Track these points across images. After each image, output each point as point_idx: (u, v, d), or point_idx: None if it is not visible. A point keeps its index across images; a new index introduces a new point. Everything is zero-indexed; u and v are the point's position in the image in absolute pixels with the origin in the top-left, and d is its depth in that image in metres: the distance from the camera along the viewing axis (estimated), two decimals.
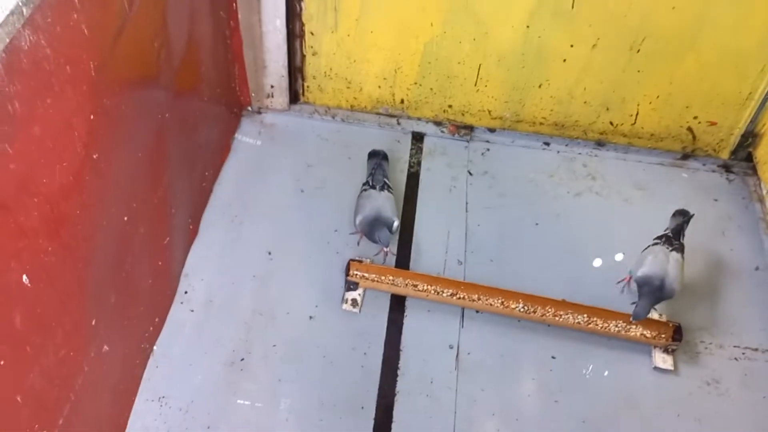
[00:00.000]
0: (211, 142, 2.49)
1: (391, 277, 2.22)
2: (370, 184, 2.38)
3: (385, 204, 2.31)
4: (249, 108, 2.81)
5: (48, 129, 1.32)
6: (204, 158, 2.42)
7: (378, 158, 2.49)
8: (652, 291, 2.08)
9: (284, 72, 2.65)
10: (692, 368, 2.16)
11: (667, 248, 2.15)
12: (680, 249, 2.17)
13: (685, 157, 2.78)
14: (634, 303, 2.13)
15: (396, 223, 2.29)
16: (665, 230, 2.25)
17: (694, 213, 2.28)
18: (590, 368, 2.15)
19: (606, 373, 2.14)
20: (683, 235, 2.23)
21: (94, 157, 1.53)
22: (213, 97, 2.44)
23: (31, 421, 1.43)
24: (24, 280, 1.31)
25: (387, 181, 2.40)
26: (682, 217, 2.27)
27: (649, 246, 2.20)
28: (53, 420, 1.53)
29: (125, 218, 1.76)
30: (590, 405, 2.07)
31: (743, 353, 2.21)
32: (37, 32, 1.23)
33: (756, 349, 2.22)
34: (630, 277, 2.14)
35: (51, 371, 1.48)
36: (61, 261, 1.44)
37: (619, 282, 2.24)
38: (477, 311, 2.23)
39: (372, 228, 2.26)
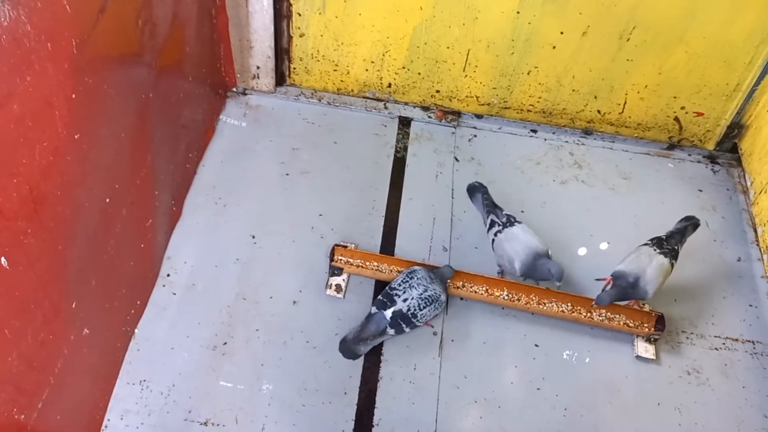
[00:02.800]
0: (195, 122, 2.45)
1: (375, 263, 2.21)
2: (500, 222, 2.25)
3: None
4: (234, 89, 2.76)
5: (28, 108, 1.29)
6: (188, 139, 2.39)
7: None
8: (623, 287, 2.08)
9: (270, 53, 2.61)
10: (674, 358, 2.18)
11: (655, 250, 2.14)
12: (670, 254, 2.13)
13: (671, 147, 2.79)
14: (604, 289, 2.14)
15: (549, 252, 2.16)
16: (666, 233, 2.22)
17: (700, 221, 2.27)
18: (573, 356, 2.16)
19: (588, 361, 2.16)
20: (683, 241, 2.21)
21: (76, 137, 1.49)
22: (197, 77, 2.39)
23: (9, 406, 1.41)
24: (2, 262, 1.28)
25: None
26: (685, 222, 2.25)
27: (639, 245, 2.19)
28: (32, 404, 1.51)
29: (107, 200, 1.73)
30: (572, 393, 2.09)
31: (724, 343, 2.23)
32: (17, 7, 1.20)
33: (736, 340, 2.24)
34: (610, 279, 2.13)
35: (30, 355, 1.46)
36: (40, 243, 1.41)
37: (598, 279, 2.23)
38: (461, 298, 2.23)
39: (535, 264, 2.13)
